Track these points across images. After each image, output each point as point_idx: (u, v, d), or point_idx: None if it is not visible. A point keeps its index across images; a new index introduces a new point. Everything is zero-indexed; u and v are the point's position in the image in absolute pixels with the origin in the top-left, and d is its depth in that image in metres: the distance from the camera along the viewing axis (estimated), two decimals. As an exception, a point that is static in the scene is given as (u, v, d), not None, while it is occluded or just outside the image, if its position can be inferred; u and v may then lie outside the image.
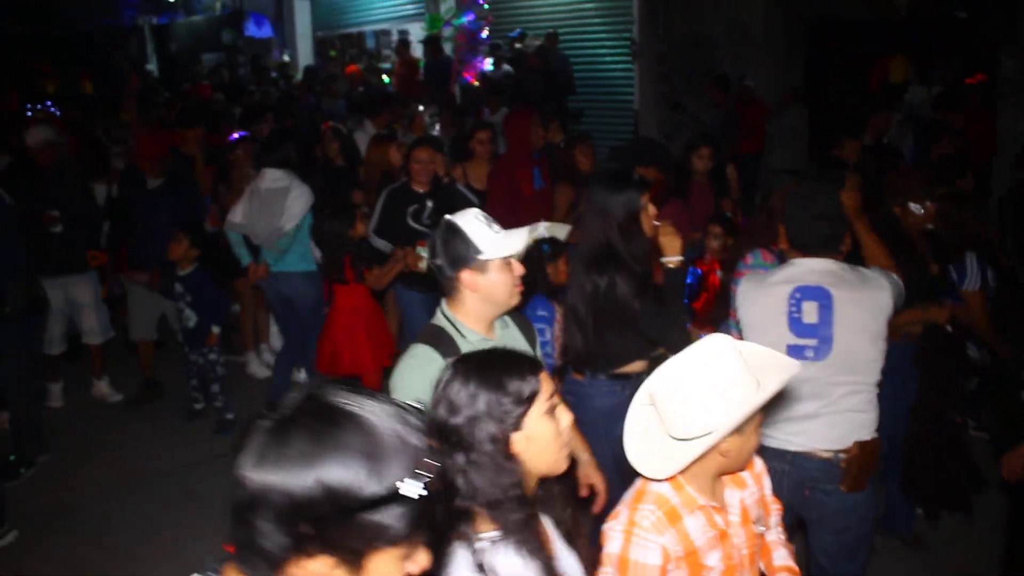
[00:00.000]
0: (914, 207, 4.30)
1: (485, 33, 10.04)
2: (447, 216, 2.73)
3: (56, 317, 6.29)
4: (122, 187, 6.77)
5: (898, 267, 3.59)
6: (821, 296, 3.18)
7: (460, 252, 2.65)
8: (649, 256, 3.70)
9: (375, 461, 1.24)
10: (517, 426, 1.93)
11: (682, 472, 2.17)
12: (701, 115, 10.63)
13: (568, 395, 3.80)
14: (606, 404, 3.72)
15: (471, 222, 2.68)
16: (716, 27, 11.89)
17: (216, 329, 6.03)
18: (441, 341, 2.65)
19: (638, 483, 2.27)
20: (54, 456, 5.84)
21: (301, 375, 6.60)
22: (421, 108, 8.22)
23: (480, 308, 2.73)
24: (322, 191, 6.46)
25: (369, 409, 1.29)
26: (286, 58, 17.49)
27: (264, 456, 1.26)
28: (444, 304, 2.78)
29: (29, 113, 9.07)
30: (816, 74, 12.43)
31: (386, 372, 5.68)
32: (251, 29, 18.82)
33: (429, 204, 5.86)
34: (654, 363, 3.90)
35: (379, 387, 5.72)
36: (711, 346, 2.15)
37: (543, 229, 4.37)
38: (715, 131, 9.45)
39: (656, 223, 3.67)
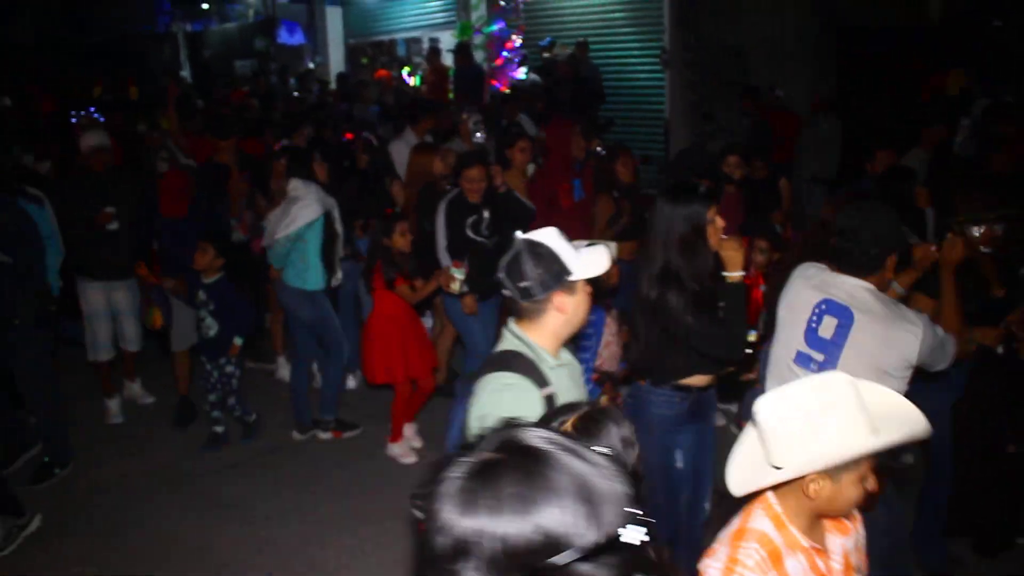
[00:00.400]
0: (973, 229, 4.17)
1: (518, 41, 10.05)
2: (525, 236, 2.63)
3: (101, 321, 6.33)
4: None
5: (962, 293, 3.58)
6: (843, 315, 3.19)
7: (552, 273, 2.56)
8: (712, 271, 3.65)
9: (591, 506, 1.15)
10: None
11: (784, 510, 2.11)
12: (731, 124, 10.60)
13: (629, 398, 3.87)
14: (664, 413, 3.75)
15: (557, 241, 2.60)
16: (747, 36, 11.84)
17: (238, 341, 5.98)
18: (528, 368, 2.57)
19: (737, 520, 2.17)
20: (87, 455, 5.92)
21: (350, 383, 6.71)
22: (465, 115, 8.13)
23: (562, 330, 2.67)
24: (353, 201, 6.47)
25: (570, 451, 1.20)
26: (311, 65, 17.55)
27: (472, 500, 1.16)
28: (515, 326, 2.68)
29: (74, 119, 9.01)
30: (848, 83, 12.36)
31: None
32: (283, 36, 18.98)
33: (486, 214, 5.82)
34: (728, 379, 3.90)
35: (410, 398, 5.72)
36: (828, 381, 2.04)
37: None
38: (746, 141, 9.43)
39: (723, 237, 3.63)
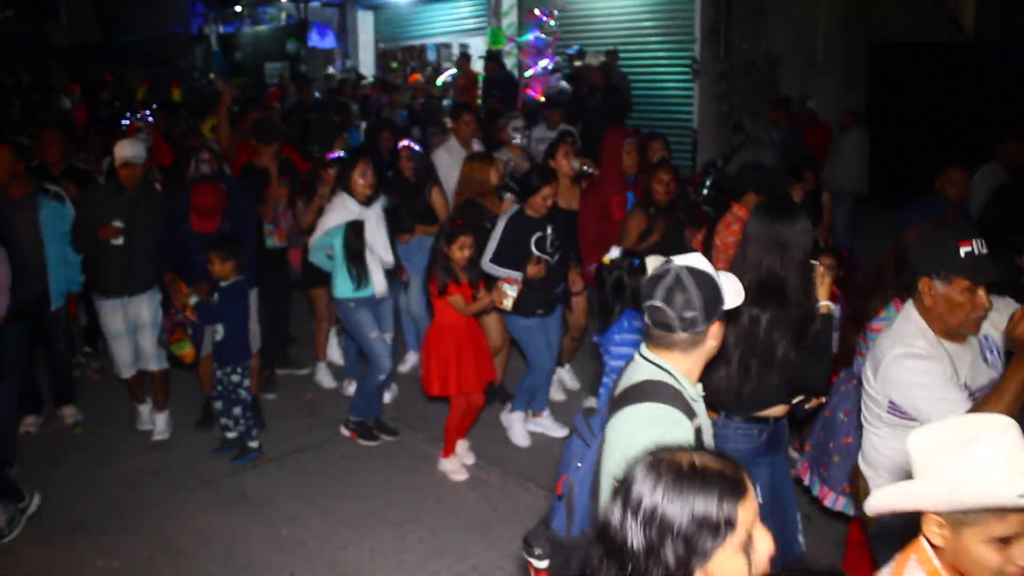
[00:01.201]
0: None
1: (551, 50, 10.06)
2: (683, 262, 2.48)
3: (119, 340, 6.09)
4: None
5: None
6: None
7: (714, 302, 2.44)
8: (810, 296, 3.49)
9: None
10: (701, 562, 1.61)
11: (942, 564, 1.88)
12: (761, 136, 10.57)
13: None
14: (743, 447, 3.59)
15: (712, 268, 2.48)
16: (778, 47, 11.85)
17: (253, 350, 6.02)
18: (676, 399, 2.43)
19: (888, 569, 1.98)
20: (117, 452, 6.01)
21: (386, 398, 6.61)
22: (506, 120, 7.99)
23: (703, 362, 2.56)
24: (398, 208, 6.40)
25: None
26: (331, 70, 17.58)
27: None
28: (652, 354, 2.54)
29: (126, 122, 8.81)
30: (878, 98, 12.33)
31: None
32: (314, 40, 19.13)
33: (550, 230, 5.71)
34: (796, 409, 3.69)
35: (463, 411, 5.62)
36: (988, 422, 1.80)
37: (616, 252, 4.42)
38: (778, 153, 9.42)
39: (812, 263, 3.47)
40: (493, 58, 12.81)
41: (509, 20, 14.57)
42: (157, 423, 6.28)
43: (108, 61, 26.43)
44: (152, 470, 5.70)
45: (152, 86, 14.62)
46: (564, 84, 12.24)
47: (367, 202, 5.84)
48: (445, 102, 13.89)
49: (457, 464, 5.65)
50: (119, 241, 5.87)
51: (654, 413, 2.38)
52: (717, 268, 2.50)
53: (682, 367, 2.51)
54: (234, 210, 6.02)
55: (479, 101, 12.87)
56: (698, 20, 11.76)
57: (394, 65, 17.76)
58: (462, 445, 5.75)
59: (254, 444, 5.91)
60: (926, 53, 12.11)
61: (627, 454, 1.90)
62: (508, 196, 6.47)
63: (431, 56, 17.10)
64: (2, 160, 5.87)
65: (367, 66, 18.37)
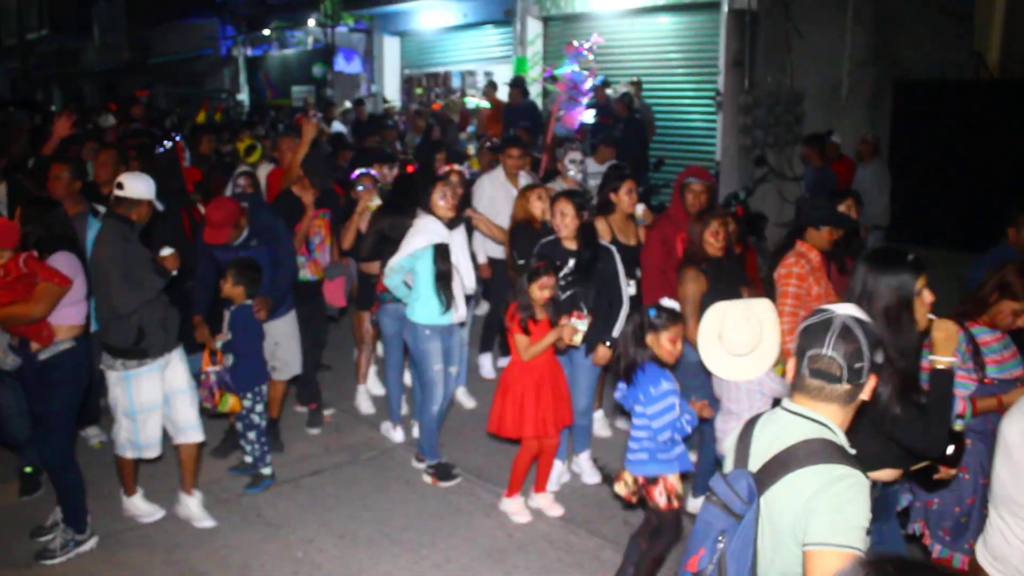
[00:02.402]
0: None
1: (588, 84, 9.99)
2: (850, 312, 2.39)
3: (155, 414, 5.16)
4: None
5: None
6: None
7: (876, 352, 2.35)
8: (917, 351, 3.31)
9: None
10: None
11: None
12: (785, 170, 10.57)
13: None
14: None
15: (865, 316, 2.41)
16: (803, 81, 11.88)
17: (285, 376, 6.05)
18: (849, 458, 2.29)
19: None
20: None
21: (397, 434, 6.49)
22: (563, 151, 7.59)
23: (853, 414, 2.43)
24: None
25: None
26: (347, 104, 17.42)
27: None
28: (806, 408, 2.40)
29: (161, 149, 8.44)
30: (903, 133, 12.33)
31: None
32: (340, 64, 19.34)
33: (571, 263, 5.52)
34: (918, 474, 3.48)
35: (534, 454, 5.37)
36: None
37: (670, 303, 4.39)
38: (811, 189, 9.41)
39: (931, 316, 3.29)
40: (518, 85, 12.90)
41: (534, 49, 14.70)
42: (192, 508, 5.35)
43: (138, 81, 26.89)
44: (169, 488, 5.73)
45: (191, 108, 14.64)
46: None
47: (450, 224, 5.74)
48: (470, 128, 14.02)
49: (520, 505, 5.44)
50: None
51: (856, 479, 2.23)
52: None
53: (838, 420, 2.38)
54: (259, 225, 5.81)
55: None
56: (723, 52, 11.80)
57: (419, 91, 17.93)
58: (546, 498, 5.51)
59: (267, 471, 5.80)
60: (951, 89, 12.12)
61: (851, 525, 2.11)
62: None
63: (455, 83, 17.24)
64: (60, 178, 5.95)
65: (392, 91, 18.54)
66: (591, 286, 5.51)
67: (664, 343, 4.29)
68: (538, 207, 6.28)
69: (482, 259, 7.39)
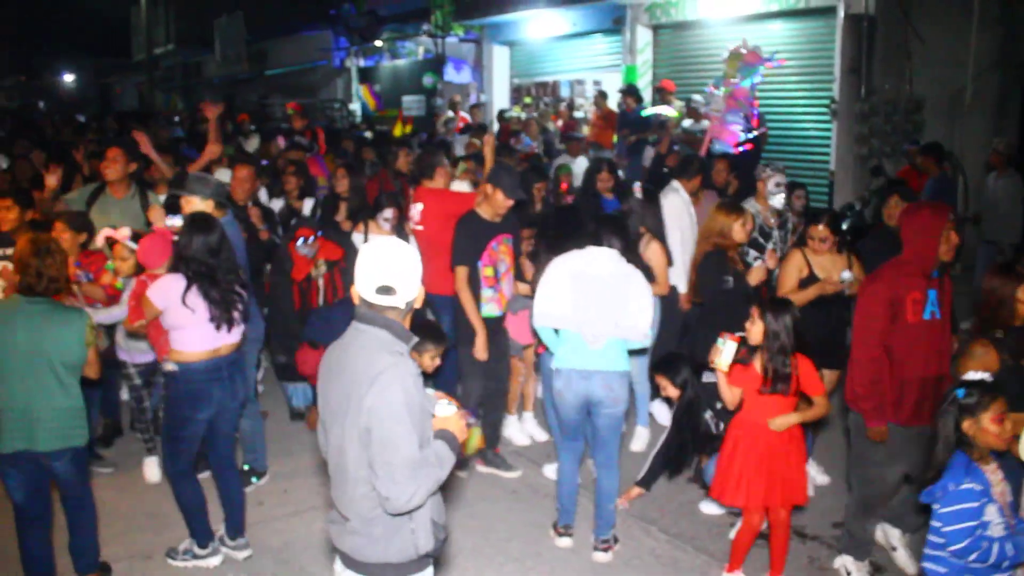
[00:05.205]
0: None
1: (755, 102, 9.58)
2: None
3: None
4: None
5: None
6: None
7: None
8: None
9: None
10: None
11: None
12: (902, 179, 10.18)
13: None
14: None
15: None
16: (922, 87, 11.47)
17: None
18: None
19: None
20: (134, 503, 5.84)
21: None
22: (765, 174, 7.07)
23: None
24: None
25: None
26: (449, 114, 17.01)
27: None
28: None
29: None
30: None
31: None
32: (450, 74, 19.61)
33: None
34: None
35: (755, 529, 4.77)
36: None
37: None
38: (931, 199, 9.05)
39: None
40: (632, 93, 12.84)
41: (644, 57, 14.61)
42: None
43: (254, 91, 27.85)
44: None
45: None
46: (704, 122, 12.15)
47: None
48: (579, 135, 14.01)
49: None
50: None
51: None
52: None
53: None
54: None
55: (614, 139, 12.94)
56: (838, 58, 11.50)
57: (528, 100, 18.03)
58: None
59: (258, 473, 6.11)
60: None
61: None
62: (759, 264, 6.09)
63: (564, 92, 17.27)
64: (117, 160, 6.59)
65: (501, 100, 18.69)
66: None
67: (988, 425, 3.44)
68: (740, 235, 5.83)
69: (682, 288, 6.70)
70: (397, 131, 15.41)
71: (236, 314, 4.83)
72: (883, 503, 4.80)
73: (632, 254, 5.35)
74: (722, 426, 4.98)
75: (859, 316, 4.54)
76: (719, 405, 4.94)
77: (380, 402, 2.78)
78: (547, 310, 4.97)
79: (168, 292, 4.65)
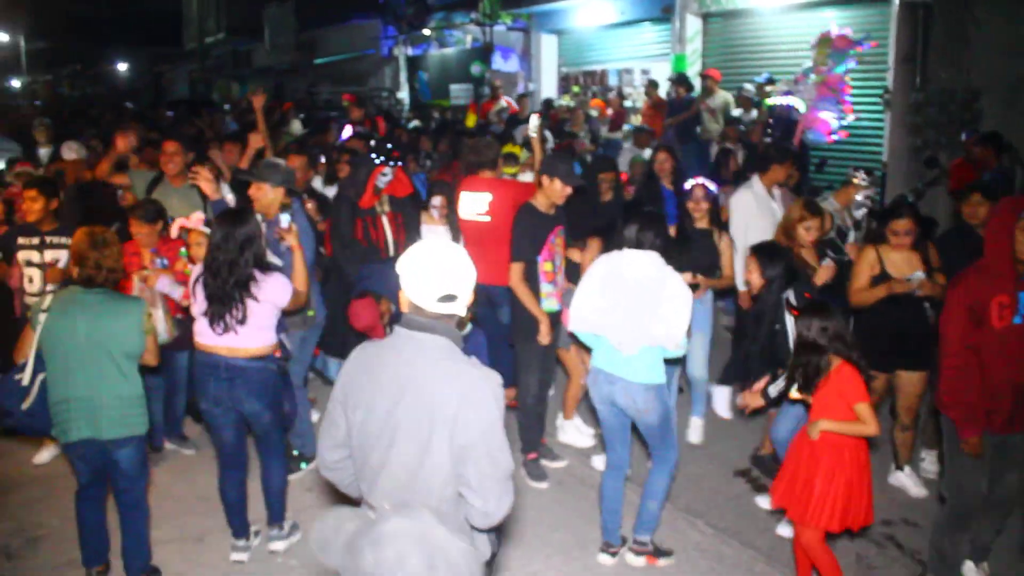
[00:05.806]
0: None
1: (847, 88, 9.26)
2: None
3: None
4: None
5: None
6: None
7: None
8: None
9: None
10: None
11: None
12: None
13: None
14: None
15: None
16: (980, 76, 11.21)
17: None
18: None
19: None
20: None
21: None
22: (852, 173, 6.94)
23: None
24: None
25: None
26: (500, 103, 16.89)
27: None
28: None
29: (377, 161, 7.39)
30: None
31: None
32: (498, 63, 19.59)
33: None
34: None
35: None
36: None
37: None
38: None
39: None
40: (682, 83, 12.76)
41: (693, 46, 14.49)
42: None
43: (303, 80, 28.08)
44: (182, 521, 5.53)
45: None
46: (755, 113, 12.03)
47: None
48: (626, 126, 13.94)
49: None
50: None
51: None
52: None
53: None
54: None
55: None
56: (892, 47, 11.30)
57: (576, 89, 17.98)
58: None
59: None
60: None
61: None
62: (827, 263, 5.77)
63: (612, 81, 17.19)
64: (177, 154, 6.88)
65: (549, 89, 18.65)
66: None
67: None
68: (806, 232, 5.67)
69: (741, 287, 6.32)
70: (470, 121, 15.38)
71: (229, 317, 4.62)
72: (976, 515, 4.52)
73: (673, 250, 5.07)
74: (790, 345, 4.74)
75: (940, 322, 4.38)
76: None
77: (477, 417, 2.74)
78: (576, 313, 4.90)
79: (191, 278, 4.87)
